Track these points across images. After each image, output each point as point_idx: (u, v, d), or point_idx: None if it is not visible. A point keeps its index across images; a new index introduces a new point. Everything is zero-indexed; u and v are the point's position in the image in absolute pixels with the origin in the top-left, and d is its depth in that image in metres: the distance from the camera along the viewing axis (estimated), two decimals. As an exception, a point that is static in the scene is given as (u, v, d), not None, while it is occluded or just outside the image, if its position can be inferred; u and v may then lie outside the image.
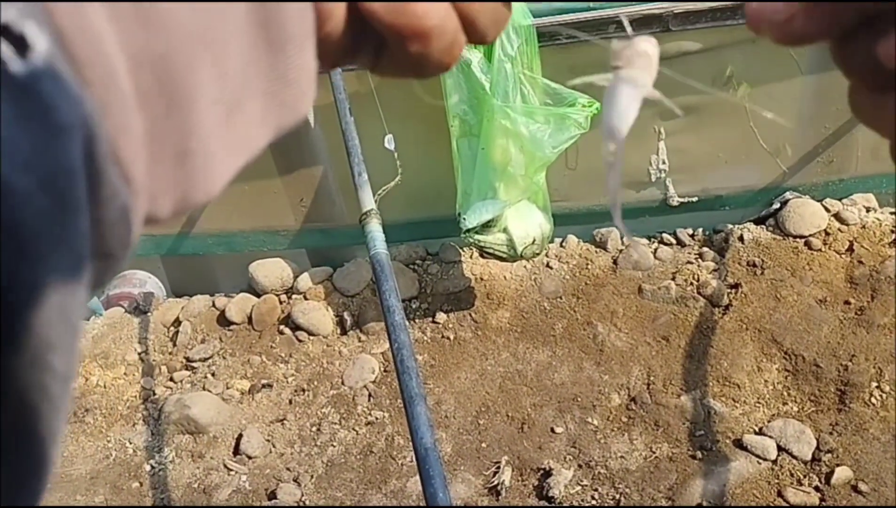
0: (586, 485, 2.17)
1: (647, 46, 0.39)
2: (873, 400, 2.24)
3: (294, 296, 2.69)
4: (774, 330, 2.41)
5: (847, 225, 2.62)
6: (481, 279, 2.65)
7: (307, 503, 2.23)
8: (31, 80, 0.20)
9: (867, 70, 0.32)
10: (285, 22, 0.28)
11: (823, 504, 2.07)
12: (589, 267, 2.67)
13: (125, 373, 2.59)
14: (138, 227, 0.26)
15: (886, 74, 0.32)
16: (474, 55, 2.13)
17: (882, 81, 0.32)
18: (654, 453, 2.22)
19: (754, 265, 2.56)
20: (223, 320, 2.67)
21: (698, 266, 2.62)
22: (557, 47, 2.26)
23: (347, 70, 2.14)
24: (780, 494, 2.09)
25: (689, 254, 2.68)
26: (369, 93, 2.36)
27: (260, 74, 0.28)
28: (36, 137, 0.20)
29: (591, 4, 2.22)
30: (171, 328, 2.69)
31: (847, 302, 2.45)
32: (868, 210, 2.66)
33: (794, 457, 2.16)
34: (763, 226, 2.67)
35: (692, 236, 2.73)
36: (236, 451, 2.35)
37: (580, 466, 2.21)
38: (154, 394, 2.51)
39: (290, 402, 2.46)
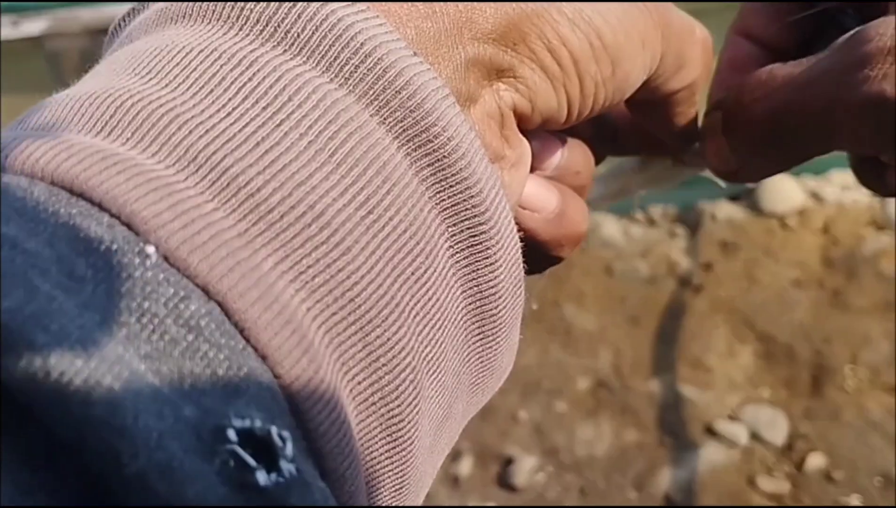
0: (550, 473, 2.11)
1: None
2: (847, 385, 2.19)
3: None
4: (747, 312, 2.36)
5: (824, 204, 2.58)
6: (444, 257, 2.57)
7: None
8: (276, 493, 0.18)
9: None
10: (500, 309, 0.26)
11: (797, 493, 2.03)
12: (557, 245, 2.60)
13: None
14: None
15: None
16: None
17: None
18: (621, 439, 2.16)
19: (727, 244, 2.51)
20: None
21: (669, 245, 2.56)
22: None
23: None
24: (750, 482, 2.05)
25: (661, 232, 2.62)
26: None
27: (469, 370, 0.26)
28: None
29: None
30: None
31: (822, 284, 2.41)
32: (845, 189, 2.60)
33: (766, 444, 2.11)
34: (737, 204, 2.61)
35: (663, 214, 2.66)
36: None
37: (544, 453, 2.15)
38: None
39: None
